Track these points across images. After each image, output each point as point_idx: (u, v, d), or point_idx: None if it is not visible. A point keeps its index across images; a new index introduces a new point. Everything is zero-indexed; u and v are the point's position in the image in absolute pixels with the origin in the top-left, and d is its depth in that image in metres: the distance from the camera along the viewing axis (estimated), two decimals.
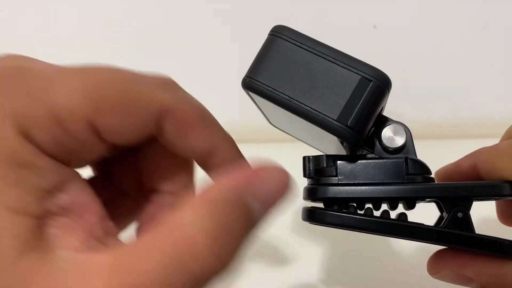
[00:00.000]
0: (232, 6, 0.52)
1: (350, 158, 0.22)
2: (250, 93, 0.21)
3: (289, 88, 0.20)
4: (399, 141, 0.22)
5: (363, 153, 0.23)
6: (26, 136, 0.16)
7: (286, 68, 0.21)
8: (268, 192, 0.17)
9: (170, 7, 0.53)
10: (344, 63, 0.21)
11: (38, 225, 0.15)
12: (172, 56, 0.53)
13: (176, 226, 0.15)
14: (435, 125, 0.54)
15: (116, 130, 0.18)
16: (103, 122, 0.17)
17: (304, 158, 0.23)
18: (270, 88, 0.20)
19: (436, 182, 0.23)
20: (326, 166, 0.22)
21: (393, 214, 0.23)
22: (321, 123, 0.20)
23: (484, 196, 0.22)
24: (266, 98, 0.21)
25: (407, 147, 0.23)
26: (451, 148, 0.56)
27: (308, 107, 0.20)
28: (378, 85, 0.20)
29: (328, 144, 0.23)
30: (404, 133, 0.22)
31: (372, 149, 0.23)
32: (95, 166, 0.23)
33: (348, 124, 0.20)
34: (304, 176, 0.23)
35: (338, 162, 0.22)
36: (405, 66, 0.54)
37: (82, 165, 0.19)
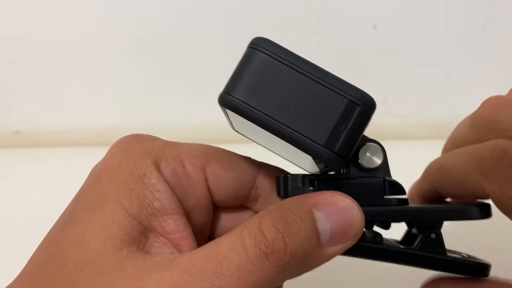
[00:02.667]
0: (232, 6, 0.52)
1: (327, 178, 0.22)
2: (227, 110, 0.20)
3: (270, 107, 0.19)
4: (377, 161, 0.22)
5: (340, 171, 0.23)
6: (158, 167, 0.21)
7: (267, 85, 0.19)
8: (338, 221, 0.19)
9: (170, 7, 0.53)
10: (330, 84, 0.19)
11: (143, 233, 0.19)
12: (171, 55, 0.53)
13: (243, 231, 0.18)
14: (435, 125, 0.54)
15: (220, 177, 0.23)
16: (212, 169, 0.22)
17: (278, 177, 0.22)
18: (249, 107, 0.19)
19: (409, 201, 0.23)
20: (303, 187, 0.21)
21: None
22: (306, 148, 0.19)
23: (455, 219, 0.22)
24: (245, 117, 0.19)
25: (384, 167, 0.22)
26: None
27: (292, 129, 0.19)
28: (365, 109, 0.19)
29: (298, 158, 0.23)
30: (381, 152, 0.22)
31: (348, 168, 0.22)
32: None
33: (336, 150, 0.19)
34: (279, 195, 0.22)
35: (316, 182, 0.21)
36: (405, 66, 0.54)
37: (188, 209, 0.22)
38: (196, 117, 0.54)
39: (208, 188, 0.23)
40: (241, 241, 0.18)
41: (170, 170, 0.21)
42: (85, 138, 0.55)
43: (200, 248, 0.19)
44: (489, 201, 0.23)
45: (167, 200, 0.20)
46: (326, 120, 0.19)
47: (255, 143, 0.24)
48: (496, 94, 0.21)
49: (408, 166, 0.24)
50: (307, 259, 0.19)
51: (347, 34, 0.54)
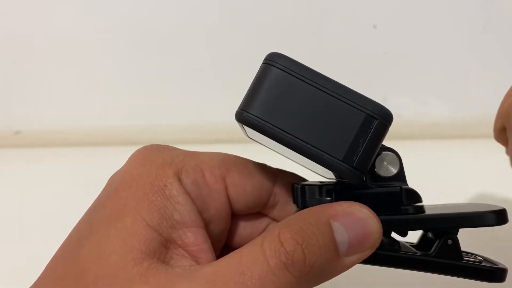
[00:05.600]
0: (233, 7, 0.52)
1: (344, 188, 0.22)
2: (245, 126, 0.20)
3: (287, 123, 0.19)
4: (393, 169, 0.22)
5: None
6: (179, 177, 0.21)
7: (283, 101, 0.19)
8: (356, 232, 0.19)
9: (170, 7, 0.53)
10: (346, 98, 0.20)
11: (164, 245, 0.19)
12: (171, 56, 0.53)
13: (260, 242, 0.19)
14: (435, 125, 0.54)
15: (240, 186, 0.23)
16: (231, 178, 0.22)
17: (295, 188, 0.22)
18: (267, 123, 0.19)
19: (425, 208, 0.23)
20: (320, 197, 0.22)
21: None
22: (324, 163, 0.19)
23: (471, 226, 0.22)
24: (263, 133, 0.20)
25: (400, 175, 0.22)
26: (451, 148, 0.56)
27: (310, 145, 0.19)
28: (383, 123, 0.20)
29: (313, 165, 0.23)
30: (398, 161, 0.22)
31: (365, 176, 0.22)
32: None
33: (354, 165, 0.19)
34: (296, 205, 0.23)
35: (334, 193, 0.21)
36: (405, 66, 0.54)
37: (208, 219, 0.22)
38: (196, 117, 0.54)
39: (228, 197, 0.23)
40: (262, 252, 0.18)
41: (191, 180, 0.21)
42: (85, 138, 0.55)
43: (221, 259, 0.19)
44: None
45: (187, 212, 0.20)
46: (344, 135, 0.19)
47: (256, 144, 0.24)
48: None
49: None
50: (325, 269, 0.19)
51: (347, 35, 0.54)
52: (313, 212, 0.20)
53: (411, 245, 0.24)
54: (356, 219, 0.20)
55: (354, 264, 0.20)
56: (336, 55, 0.54)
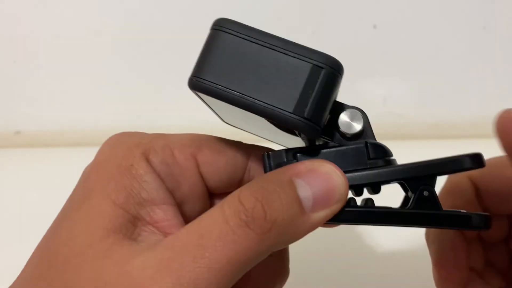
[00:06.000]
0: (233, 6, 0.52)
1: (310, 150, 0.22)
2: (199, 93, 0.21)
3: (238, 84, 0.19)
4: (357, 126, 0.22)
5: (322, 143, 0.23)
6: (147, 158, 0.21)
7: (233, 63, 0.20)
8: (320, 186, 0.19)
9: (170, 7, 0.53)
10: (292, 52, 0.20)
11: (131, 222, 0.19)
12: (172, 56, 0.53)
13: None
14: (435, 125, 0.54)
15: (212, 163, 0.23)
16: (203, 156, 0.22)
17: (263, 155, 0.22)
18: (219, 86, 0.20)
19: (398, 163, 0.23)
20: (287, 161, 0.21)
21: (359, 200, 0.23)
22: (277, 117, 0.19)
23: (447, 172, 0.22)
24: (216, 97, 0.20)
25: (366, 132, 0.22)
26: (451, 148, 0.56)
27: (261, 102, 0.19)
28: (331, 72, 0.20)
29: (286, 137, 0.23)
30: (361, 117, 0.22)
31: (331, 137, 0.22)
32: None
33: (305, 115, 0.19)
34: (266, 172, 0.22)
35: (299, 155, 0.21)
36: (405, 66, 0.54)
37: (182, 198, 0.22)
38: (195, 117, 0.54)
39: (201, 175, 0.23)
40: (221, 213, 0.18)
41: (160, 159, 0.21)
42: (85, 138, 0.55)
43: (183, 227, 0.19)
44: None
45: (154, 190, 0.20)
46: (293, 88, 0.19)
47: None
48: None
49: None
50: (291, 226, 0.19)
51: (347, 34, 0.54)
52: (275, 173, 0.20)
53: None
54: (319, 174, 0.20)
55: (323, 220, 0.20)
56: (336, 55, 0.54)
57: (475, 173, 0.25)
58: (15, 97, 0.57)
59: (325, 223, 0.20)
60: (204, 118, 0.55)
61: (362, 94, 0.52)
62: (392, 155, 0.22)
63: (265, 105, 0.19)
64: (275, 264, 0.24)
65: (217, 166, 0.23)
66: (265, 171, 0.22)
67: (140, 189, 0.20)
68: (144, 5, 0.54)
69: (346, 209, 0.20)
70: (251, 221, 0.18)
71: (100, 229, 0.19)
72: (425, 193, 0.21)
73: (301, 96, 0.19)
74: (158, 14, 0.54)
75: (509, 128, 0.20)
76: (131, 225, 0.19)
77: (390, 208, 0.22)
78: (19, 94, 0.57)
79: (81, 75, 0.56)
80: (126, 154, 0.21)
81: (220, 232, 0.18)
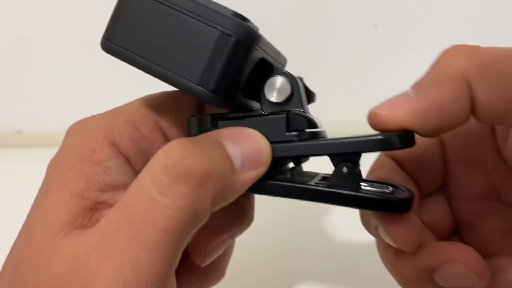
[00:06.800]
0: (234, 6, 0.52)
1: (232, 116, 0.20)
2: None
3: (145, 49, 0.18)
4: (283, 94, 0.20)
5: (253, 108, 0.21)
6: (112, 141, 0.20)
7: (142, 27, 0.18)
8: (246, 146, 0.19)
9: None
10: (201, 16, 0.18)
11: (90, 208, 0.18)
12: None
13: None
14: None
15: (176, 125, 0.21)
16: (166, 122, 0.21)
17: (188, 119, 0.21)
18: (127, 51, 0.19)
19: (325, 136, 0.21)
20: (211, 126, 0.20)
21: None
22: (182, 87, 0.18)
23: (373, 150, 0.19)
24: (125, 61, 0.19)
25: (294, 100, 0.20)
26: None
27: (167, 70, 0.18)
28: (241, 41, 0.18)
29: None
30: (289, 84, 0.20)
31: (259, 102, 0.21)
32: None
33: (211, 88, 0.18)
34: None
35: (219, 122, 0.20)
36: (406, 65, 0.54)
37: None
38: None
39: (168, 140, 0.21)
40: (146, 178, 0.17)
41: (127, 139, 0.20)
42: None
43: (113, 206, 0.17)
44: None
45: (118, 175, 0.19)
46: (199, 56, 0.18)
47: None
48: None
49: None
50: (225, 183, 0.18)
51: (348, 34, 0.54)
52: (200, 136, 0.19)
53: (324, 176, 0.22)
54: (244, 135, 0.19)
55: (252, 181, 0.19)
56: (337, 55, 0.54)
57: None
58: (15, 97, 0.57)
59: (247, 191, 0.19)
60: None
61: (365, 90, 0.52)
62: (319, 127, 0.21)
63: (171, 73, 0.18)
64: (232, 208, 0.21)
65: (181, 126, 0.21)
66: (190, 136, 0.21)
67: (103, 175, 0.19)
68: None
69: (267, 181, 0.20)
70: (182, 175, 0.16)
71: (55, 224, 0.18)
72: (344, 169, 0.20)
73: (207, 66, 0.18)
74: None
75: (377, 127, 0.19)
76: (89, 211, 0.18)
77: (307, 183, 0.20)
78: (19, 94, 0.57)
79: (81, 75, 0.56)
80: (87, 141, 0.20)
81: (148, 201, 0.16)
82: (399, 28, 0.54)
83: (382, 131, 0.19)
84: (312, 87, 0.23)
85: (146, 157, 0.20)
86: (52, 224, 0.18)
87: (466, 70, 0.17)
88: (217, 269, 0.25)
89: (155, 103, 0.22)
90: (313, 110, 0.22)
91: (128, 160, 0.20)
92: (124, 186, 0.19)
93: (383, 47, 0.54)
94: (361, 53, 0.54)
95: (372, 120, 0.19)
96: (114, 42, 0.19)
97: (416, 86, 0.18)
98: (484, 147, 0.22)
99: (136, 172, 0.20)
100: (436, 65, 0.19)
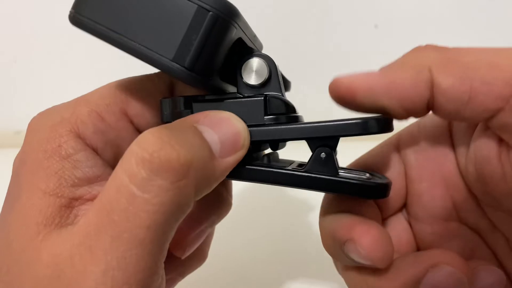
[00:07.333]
0: (234, 4, 0.52)
1: (208, 99, 0.19)
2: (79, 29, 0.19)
3: (118, 23, 0.17)
4: (260, 76, 0.20)
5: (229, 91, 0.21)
6: (77, 133, 0.19)
7: (115, 0, 0.17)
8: (224, 131, 0.18)
9: None
10: None
11: (66, 206, 0.18)
12: None
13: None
14: None
15: (144, 112, 0.21)
16: (132, 109, 0.20)
17: (161, 100, 0.20)
18: (98, 24, 0.18)
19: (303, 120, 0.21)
20: (184, 109, 0.19)
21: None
22: (157, 64, 0.17)
23: (351, 134, 0.19)
24: (95, 35, 0.18)
25: (271, 84, 0.20)
26: None
27: (141, 45, 0.17)
28: (219, 16, 0.17)
29: None
30: (267, 67, 0.20)
31: (235, 85, 0.20)
32: None
33: (186, 65, 0.17)
34: (162, 120, 0.20)
35: (194, 104, 0.19)
36: None
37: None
38: None
39: (137, 129, 0.21)
40: (122, 174, 0.16)
41: (92, 130, 0.19)
42: None
43: (92, 205, 0.17)
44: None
45: (89, 168, 0.19)
46: (175, 31, 0.17)
47: None
48: None
49: None
50: (206, 172, 0.17)
51: (348, 34, 0.54)
52: (175, 122, 0.18)
53: (301, 163, 0.22)
54: (220, 119, 0.18)
55: (232, 165, 0.18)
56: (337, 55, 0.54)
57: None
58: (15, 97, 0.57)
59: (227, 177, 0.19)
60: None
61: None
62: (295, 112, 0.20)
63: (144, 48, 0.17)
64: (208, 196, 0.20)
65: (150, 113, 0.21)
66: (162, 119, 0.20)
67: (73, 169, 0.18)
68: None
69: (245, 166, 0.19)
70: (161, 168, 0.15)
71: (32, 227, 0.17)
72: (322, 155, 0.19)
73: (183, 42, 0.17)
74: None
75: (334, 94, 0.19)
76: (66, 208, 0.17)
77: (285, 168, 0.20)
78: (19, 94, 0.57)
79: (81, 75, 0.56)
80: (51, 136, 0.19)
81: (127, 198, 0.15)
82: (399, 28, 0.54)
83: (338, 100, 0.19)
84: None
85: (114, 147, 0.20)
86: (29, 227, 0.17)
87: (430, 61, 0.18)
88: (199, 253, 0.24)
89: (121, 89, 0.20)
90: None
91: (95, 151, 0.19)
92: (97, 179, 0.19)
93: (383, 47, 0.54)
94: (361, 53, 0.54)
95: (332, 87, 0.19)
96: (83, 15, 0.18)
97: (381, 68, 0.19)
98: (444, 163, 0.21)
99: (106, 162, 0.19)
100: (403, 56, 0.19)
